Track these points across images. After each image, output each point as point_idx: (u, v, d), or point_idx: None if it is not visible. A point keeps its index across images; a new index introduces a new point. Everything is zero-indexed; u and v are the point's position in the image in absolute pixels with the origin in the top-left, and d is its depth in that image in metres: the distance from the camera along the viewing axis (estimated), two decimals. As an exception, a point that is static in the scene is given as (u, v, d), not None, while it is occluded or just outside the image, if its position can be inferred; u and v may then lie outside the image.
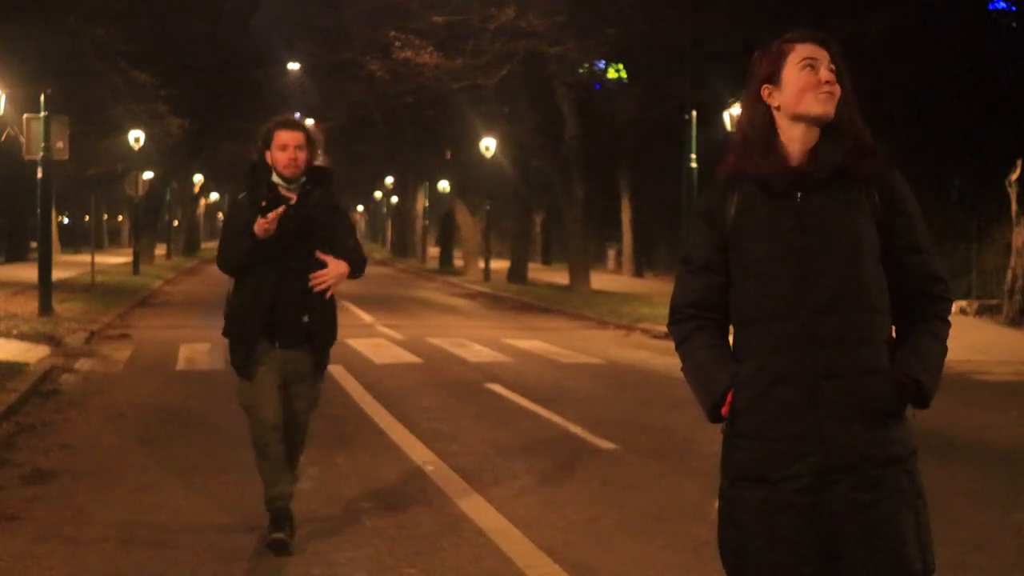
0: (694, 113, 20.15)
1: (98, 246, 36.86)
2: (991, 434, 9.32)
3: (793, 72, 2.85)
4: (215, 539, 5.74)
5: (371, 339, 15.99)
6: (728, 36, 22.63)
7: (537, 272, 36.36)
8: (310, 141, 5.62)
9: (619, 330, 18.97)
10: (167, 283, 31.39)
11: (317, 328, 5.57)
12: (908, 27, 24.51)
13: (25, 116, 18.11)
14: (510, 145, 31.40)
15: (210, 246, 64.36)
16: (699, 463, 7.57)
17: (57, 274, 21.10)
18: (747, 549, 2.82)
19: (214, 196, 78.45)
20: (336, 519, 6.15)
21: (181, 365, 13.09)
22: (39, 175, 17.90)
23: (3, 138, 18.99)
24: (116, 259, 40.89)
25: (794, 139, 2.87)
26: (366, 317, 19.92)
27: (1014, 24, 28.72)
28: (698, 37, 20.76)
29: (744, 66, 2.97)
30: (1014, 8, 28.37)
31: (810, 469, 2.75)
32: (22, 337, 14.16)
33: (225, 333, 5.67)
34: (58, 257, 31.36)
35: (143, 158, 34.58)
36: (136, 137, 32.16)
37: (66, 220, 65.28)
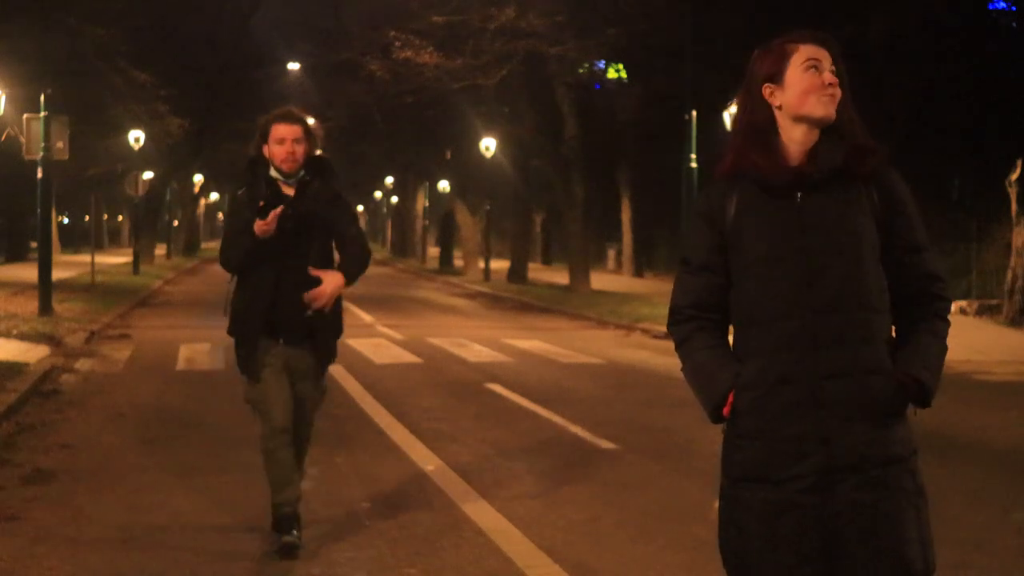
0: (694, 113, 20.13)
1: (98, 246, 36.85)
2: (991, 434, 9.32)
3: (797, 73, 2.85)
4: (215, 539, 5.74)
5: (371, 339, 15.99)
6: (728, 36, 22.63)
7: (537, 272, 36.36)
8: (308, 134, 5.50)
9: (619, 330, 18.97)
10: (167, 283, 31.40)
11: (320, 323, 5.49)
12: (908, 27, 24.51)
13: (25, 116, 18.12)
14: (510, 145, 31.40)
15: (210, 246, 64.44)
16: (699, 463, 7.57)
17: (57, 274, 21.10)
18: (748, 549, 2.82)
19: (214, 196, 78.45)
20: (336, 519, 6.14)
21: (181, 365, 13.09)
22: (39, 175, 17.90)
23: (3, 138, 19.00)
24: (116, 259, 40.89)
25: (794, 139, 2.87)
26: (366, 317, 19.92)
27: (1014, 24, 28.74)
28: (698, 37, 20.73)
29: (744, 66, 2.96)
30: (1014, 8, 28.38)
31: (813, 469, 2.75)
32: (22, 337, 14.16)
33: (230, 332, 5.62)
34: (58, 257, 31.35)
35: (143, 158, 34.58)
36: (136, 137, 32.17)
37: (66, 220, 65.27)
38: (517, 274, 32.24)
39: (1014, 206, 18.36)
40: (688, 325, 2.96)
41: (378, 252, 62.00)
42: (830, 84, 2.83)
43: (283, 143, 5.41)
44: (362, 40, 29.26)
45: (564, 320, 21.43)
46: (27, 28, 20.36)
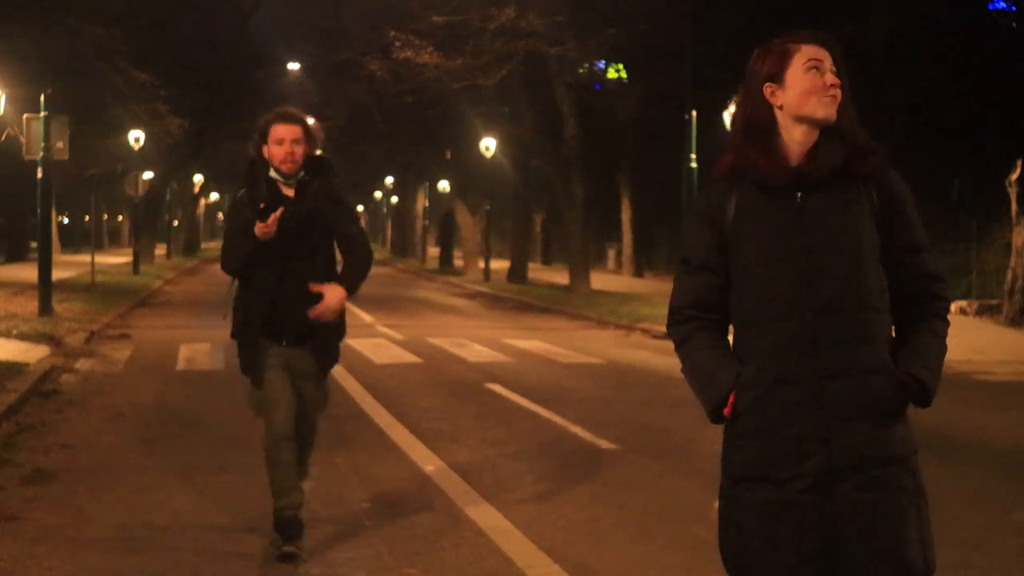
0: (694, 113, 20.13)
1: (98, 246, 36.87)
2: (991, 434, 9.32)
3: (798, 73, 2.85)
4: (215, 539, 5.74)
5: (371, 339, 15.99)
6: (728, 36, 22.63)
7: (537, 272, 36.36)
8: (308, 134, 5.45)
9: (619, 330, 18.97)
10: (167, 283, 31.40)
11: (322, 324, 5.45)
12: (908, 27, 24.51)
13: (25, 116, 18.12)
14: (510, 145, 31.40)
15: (210, 246, 64.49)
16: (699, 463, 7.57)
17: (57, 274, 21.11)
18: (748, 549, 2.82)
19: (214, 196, 78.46)
20: (336, 519, 6.14)
21: (181, 365, 13.09)
22: (39, 175, 17.90)
23: (3, 138, 19.00)
24: (116, 259, 40.90)
25: (795, 139, 2.87)
26: (366, 317, 19.91)
27: (1014, 24, 28.73)
28: (698, 37, 20.74)
29: (744, 66, 2.96)
30: (1014, 8, 28.37)
31: (814, 469, 2.75)
32: (22, 337, 14.17)
33: (233, 336, 5.58)
34: (58, 257, 31.36)
35: (143, 158, 34.59)
36: (136, 137, 32.17)
37: (66, 220, 65.28)
38: (517, 274, 32.24)
39: (1014, 206, 18.37)
40: (688, 325, 2.96)
41: (378, 252, 61.44)
42: (832, 85, 2.84)
43: (282, 144, 5.36)
44: (362, 40, 29.26)
45: (564, 320, 21.43)
46: (27, 28, 20.37)
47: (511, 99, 29.43)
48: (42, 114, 17.71)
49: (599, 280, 29.85)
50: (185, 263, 45.16)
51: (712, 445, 3.56)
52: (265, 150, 5.44)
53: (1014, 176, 18.35)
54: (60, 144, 18.13)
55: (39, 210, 18.53)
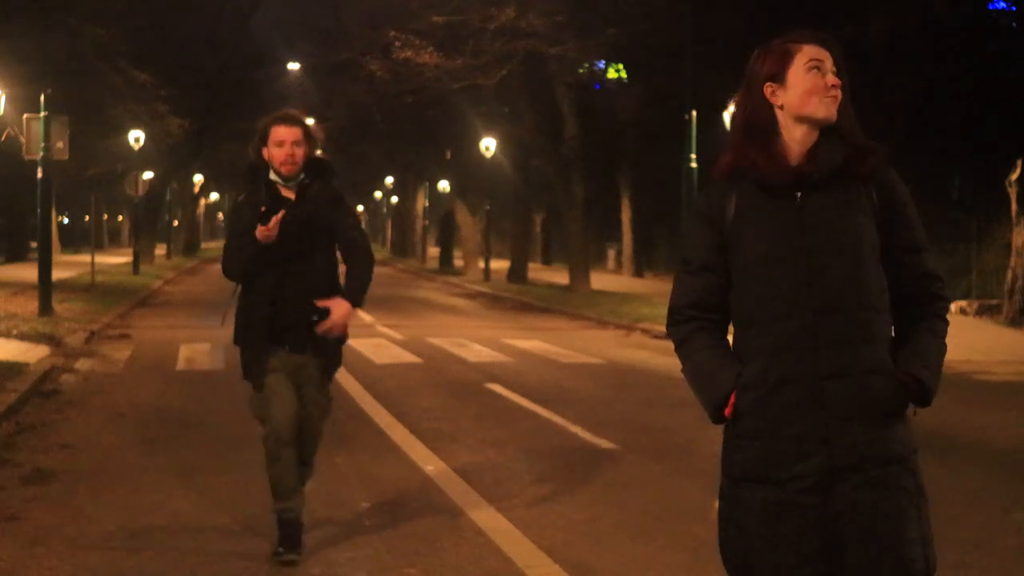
0: (694, 113, 20.14)
1: (98, 246, 36.86)
2: (991, 434, 9.32)
3: (799, 73, 2.85)
4: (215, 539, 5.74)
5: (371, 339, 15.99)
6: (728, 36, 22.63)
7: (537, 272, 36.36)
8: (308, 136, 5.42)
9: (619, 330, 18.97)
10: (167, 283, 31.40)
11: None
12: (908, 27, 24.51)
13: (25, 116, 18.12)
14: (510, 145, 31.40)
15: (210, 246, 64.51)
16: (699, 463, 7.57)
17: (57, 274, 21.11)
18: (748, 550, 2.82)
19: (214, 196, 78.46)
20: (336, 519, 6.14)
21: (181, 365, 13.09)
22: (39, 175, 17.91)
23: (3, 138, 19.00)
24: (116, 259, 40.90)
25: (795, 139, 2.87)
26: (366, 317, 19.90)
27: (1014, 24, 28.73)
28: (698, 37, 20.75)
29: (744, 66, 2.96)
30: (1014, 8, 28.37)
31: (814, 469, 2.75)
32: (22, 337, 14.17)
33: (235, 340, 5.54)
34: (58, 257, 31.36)
35: (143, 158, 34.58)
36: (136, 137, 32.17)
37: (66, 220, 65.27)
38: (517, 274, 32.24)
39: (1014, 206, 18.37)
40: (688, 325, 2.96)
41: (378, 252, 61.41)
42: (833, 86, 2.84)
43: (282, 145, 5.33)
44: (362, 40, 29.26)
45: (564, 320, 21.43)
46: (27, 28, 20.37)
47: (511, 99, 29.43)
48: (42, 114, 17.72)
49: (599, 280, 29.86)
50: (185, 263, 45.16)
51: (712, 445, 3.56)
52: (265, 152, 5.40)
53: (1014, 176, 18.36)
54: (60, 144, 18.14)
55: (39, 210, 18.53)
